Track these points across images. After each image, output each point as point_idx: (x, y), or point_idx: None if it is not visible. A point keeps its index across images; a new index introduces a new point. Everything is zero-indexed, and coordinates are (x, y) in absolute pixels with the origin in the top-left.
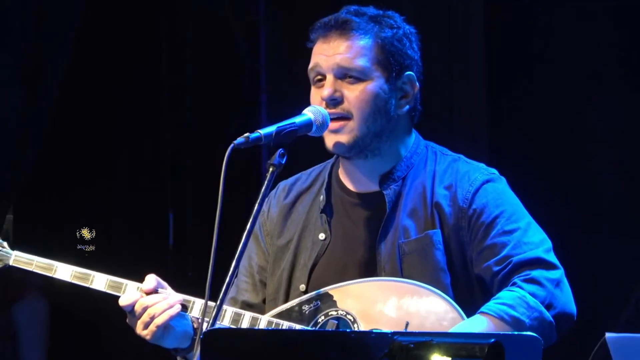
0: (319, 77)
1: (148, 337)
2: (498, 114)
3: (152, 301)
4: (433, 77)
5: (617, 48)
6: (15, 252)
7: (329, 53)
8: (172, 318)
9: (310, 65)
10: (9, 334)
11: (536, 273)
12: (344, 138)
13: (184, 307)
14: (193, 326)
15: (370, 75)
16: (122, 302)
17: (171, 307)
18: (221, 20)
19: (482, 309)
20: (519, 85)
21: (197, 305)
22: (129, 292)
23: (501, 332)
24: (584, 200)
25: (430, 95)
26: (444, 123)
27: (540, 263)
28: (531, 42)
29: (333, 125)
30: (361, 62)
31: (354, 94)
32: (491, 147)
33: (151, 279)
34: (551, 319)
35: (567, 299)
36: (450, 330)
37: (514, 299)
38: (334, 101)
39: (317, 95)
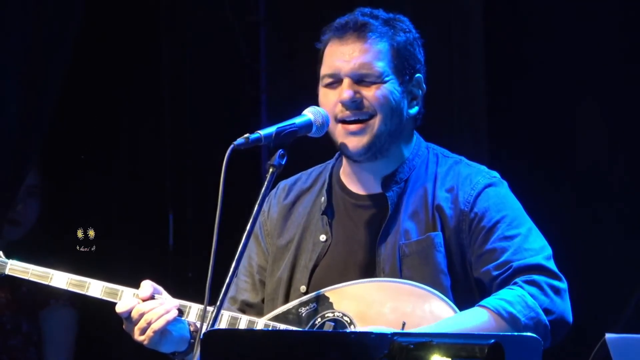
0: (332, 79)
1: (145, 343)
2: (498, 114)
3: (149, 307)
4: (433, 78)
5: (617, 48)
6: (11, 261)
7: (347, 57)
8: (169, 323)
9: (328, 71)
10: (32, 340)
11: (537, 277)
12: (365, 139)
13: (180, 312)
14: (189, 330)
15: (386, 78)
16: (119, 308)
17: (168, 312)
18: (221, 20)
19: (481, 302)
20: (518, 85)
21: (193, 310)
22: (126, 299)
23: (501, 333)
24: (584, 201)
25: (430, 96)
26: (444, 124)
27: (540, 269)
28: (531, 42)
29: (353, 127)
30: (379, 66)
31: (372, 93)
32: (491, 147)
33: (147, 285)
34: (547, 322)
35: (565, 307)
36: (446, 319)
37: (513, 297)
38: (354, 103)
39: (332, 96)
